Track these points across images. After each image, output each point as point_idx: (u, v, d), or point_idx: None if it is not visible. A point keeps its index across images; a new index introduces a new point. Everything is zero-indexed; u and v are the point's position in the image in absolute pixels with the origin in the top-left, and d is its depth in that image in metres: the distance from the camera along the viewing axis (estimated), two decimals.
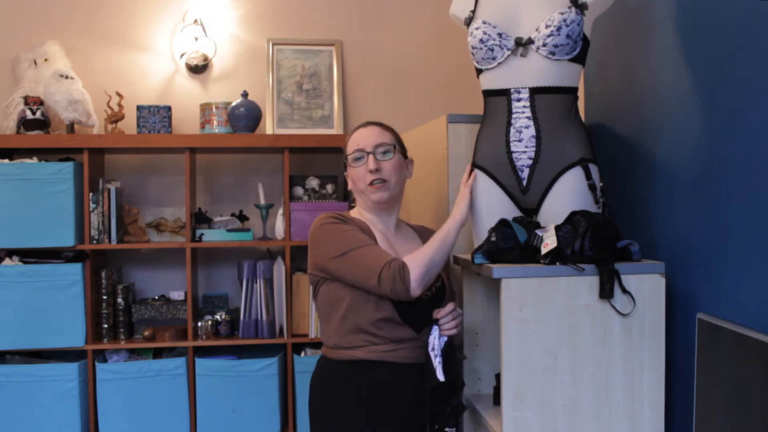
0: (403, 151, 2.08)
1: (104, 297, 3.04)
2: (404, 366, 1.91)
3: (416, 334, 1.93)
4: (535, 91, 1.92)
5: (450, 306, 1.90)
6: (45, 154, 3.11)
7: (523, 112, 1.93)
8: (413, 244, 2.04)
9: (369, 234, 1.98)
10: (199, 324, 3.06)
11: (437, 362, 1.83)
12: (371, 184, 1.98)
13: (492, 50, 1.94)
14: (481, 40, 1.95)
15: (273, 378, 3.00)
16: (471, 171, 2.00)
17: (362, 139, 2.02)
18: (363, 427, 1.91)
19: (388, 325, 1.90)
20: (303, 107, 3.36)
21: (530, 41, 1.91)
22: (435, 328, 1.88)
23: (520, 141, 1.94)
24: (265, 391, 3.00)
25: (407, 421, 1.90)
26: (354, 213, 2.08)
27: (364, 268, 1.87)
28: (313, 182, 3.21)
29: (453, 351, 1.89)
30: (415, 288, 1.84)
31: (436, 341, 1.86)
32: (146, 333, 3.04)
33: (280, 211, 3.15)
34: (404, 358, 1.92)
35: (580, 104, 2.04)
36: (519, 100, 1.94)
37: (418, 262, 1.85)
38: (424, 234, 2.11)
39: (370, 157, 1.98)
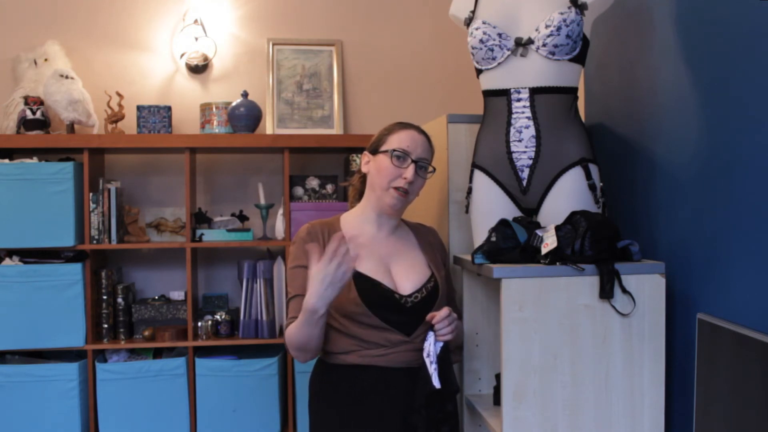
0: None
1: (104, 297, 3.04)
2: (396, 370, 1.89)
3: (407, 337, 1.90)
4: (535, 91, 1.92)
5: (445, 311, 1.85)
6: (45, 154, 3.11)
7: (523, 112, 1.93)
8: (404, 248, 2.01)
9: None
10: (199, 324, 3.05)
11: (433, 369, 1.80)
12: (396, 188, 1.94)
13: (492, 50, 1.94)
14: (481, 41, 1.95)
15: (273, 378, 3.01)
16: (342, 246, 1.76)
17: (412, 143, 1.95)
18: (356, 430, 1.89)
19: (377, 331, 1.88)
20: (303, 107, 3.36)
21: (530, 41, 1.91)
22: (431, 334, 1.84)
23: (520, 141, 1.94)
24: (265, 391, 3.00)
25: (400, 426, 1.88)
26: (352, 214, 2.04)
27: (287, 312, 1.96)
28: (313, 182, 3.21)
29: (448, 357, 1.86)
30: (297, 358, 1.93)
31: (431, 347, 1.82)
32: (146, 333, 3.04)
33: (280, 211, 3.15)
34: (396, 362, 1.89)
35: (580, 104, 2.04)
36: (519, 100, 1.94)
37: (288, 343, 1.88)
38: (419, 232, 2.09)
39: (413, 166, 1.93)
